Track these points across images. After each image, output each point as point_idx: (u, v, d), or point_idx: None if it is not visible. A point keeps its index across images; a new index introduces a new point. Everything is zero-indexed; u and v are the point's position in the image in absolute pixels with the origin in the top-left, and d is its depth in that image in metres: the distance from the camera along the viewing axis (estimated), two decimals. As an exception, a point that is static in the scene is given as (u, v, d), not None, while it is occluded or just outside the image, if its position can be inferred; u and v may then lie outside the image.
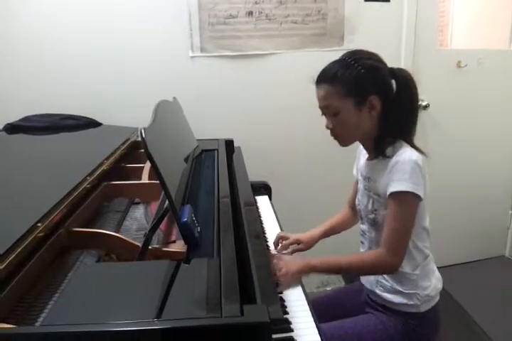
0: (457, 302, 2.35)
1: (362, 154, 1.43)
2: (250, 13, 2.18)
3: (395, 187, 1.18)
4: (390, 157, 1.22)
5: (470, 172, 2.71)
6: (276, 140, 2.37)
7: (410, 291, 1.28)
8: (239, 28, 2.19)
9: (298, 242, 1.50)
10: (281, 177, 2.27)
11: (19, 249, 0.90)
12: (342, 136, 1.28)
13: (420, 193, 1.17)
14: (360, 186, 1.39)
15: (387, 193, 1.20)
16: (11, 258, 0.87)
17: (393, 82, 1.24)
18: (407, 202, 1.19)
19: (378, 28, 2.32)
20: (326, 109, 1.27)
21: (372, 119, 1.24)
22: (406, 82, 1.24)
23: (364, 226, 1.39)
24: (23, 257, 0.93)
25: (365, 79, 1.20)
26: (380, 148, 1.25)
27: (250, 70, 2.27)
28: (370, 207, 1.32)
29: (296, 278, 1.23)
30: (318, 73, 1.27)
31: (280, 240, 1.48)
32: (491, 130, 2.70)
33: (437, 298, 1.34)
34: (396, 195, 1.18)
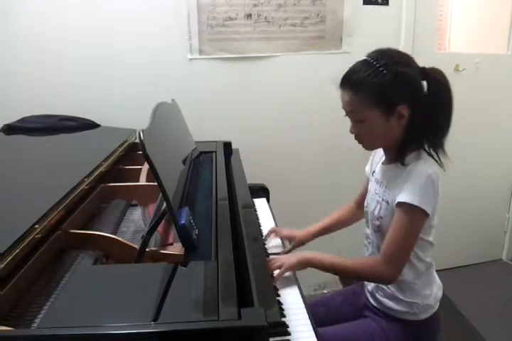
0: (454, 306, 2.36)
1: (378, 155, 1.38)
2: (249, 16, 2.18)
3: (404, 197, 1.13)
4: (406, 165, 1.18)
5: (467, 176, 2.71)
6: (275, 142, 2.37)
7: (411, 300, 1.26)
8: (238, 31, 2.19)
9: (289, 239, 1.49)
10: (280, 180, 2.27)
11: (17, 251, 0.90)
12: (366, 142, 1.23)
13: (427, 209, 1.13)
14: (371, 189, 1.34)
15: (395, 201, 1.16)
16: (8, 259, 0.87)
17: (424, 83, 1.15)
18: (414, 215, 1.13)
19: (377, 31, 2.33)
20: (350, 114, 1.20)
21: (400, 127, 1.17)
22: (438, 85, 1.15)
23: (368, 231, 1.35)
24: (21, 259, 0.92)
25: (395, 89, 1.12)
26: (401, 155, 1.19)
27: (249, 73, 2.27)
28: (376, 213, 1.27)
29: (291, 269, 1.22)
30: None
31: (272, 234, 1.50)
32: (488, 134, 2.70)
33: (437, 306, 1.32)
34: (404, 207, 1.14)
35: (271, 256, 1.38)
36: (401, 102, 1.14)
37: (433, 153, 1.20)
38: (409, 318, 1.28)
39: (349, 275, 1.33)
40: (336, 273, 1.34)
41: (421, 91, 1.15)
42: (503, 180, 2.89)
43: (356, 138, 1.23)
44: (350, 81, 1.16)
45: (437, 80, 1.16)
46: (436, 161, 1.19)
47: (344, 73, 1.19)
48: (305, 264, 1.23)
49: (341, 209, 1.57)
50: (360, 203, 1.49)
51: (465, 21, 2.89)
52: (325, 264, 1.24)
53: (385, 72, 1.12)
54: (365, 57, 1.19)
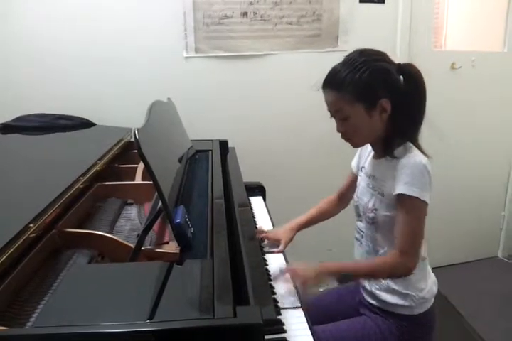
0: (450, 303, 2.36)
1: (366, 150, 1.41)
2: (245, 14, 2.18)
3: (402, 189, 1.17)
4: (399, 158, 1.21)
5: (463, 174, 2.71)
6: (271, 140, 2.37)
7: (405, 291, 1.27)
8: (234, 29, 2.19)
9: (277, 241, 1.46)
10: (276, 178, 2.27)
11: (11, 250, 0.89)
12: (353, 139, 1.27)
13: (426, 199, 1.17)
14: (362, 183, 1.37)
15: (393, 193, 1.19)
16: (2, 258, 0.86)
17: (401, 78, 1.21)
18: (415, 206, 1.18)
19: (373, 30, 2.33)
20: (335, 114, 1.24)
21: (382, 121, 1.22)
22: (413, 79, 1.21)
23: (361, 224, 1.37)
24: (15, 258, 0.92)
25: (374, 84, 1.17)
26: (389, 149, 1.23)
27: (245, 71, 2.27)
28: (370, 205, 1.30)
29: (316, 284, 1.20)
30: (323, 76, 1.23)
31: (263, 237, 1.47)
32: (485, 131, 2.71)
33: (432, 301, 1.33)
34: (403, 199, 1.17)
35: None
36: (382, 96, 1.18)
37: (419, 144, 1.25)
38: (404, 313, 1.29)
39: (366, 277, 1.32)
40: (352, 278, 1.35)
41: (399, 85, 1.21)
42: (498, 178, 2.90)
43: (343, 136, 1.27)
44: (333, 81, 1.21)
45: (412, 74, 1.21)
46: (422, 152, 1.23)
47: (325, 76, 1.23)
48: (325, 274, 1.22)
49: (322, 201, 1.60)
50: (343, 196, 1.56)
51: (461, 19, 2.89)
52: (344, 269, 1.26)
53: (364, 68, 1.17)
54: (344, 58, 1.24)
